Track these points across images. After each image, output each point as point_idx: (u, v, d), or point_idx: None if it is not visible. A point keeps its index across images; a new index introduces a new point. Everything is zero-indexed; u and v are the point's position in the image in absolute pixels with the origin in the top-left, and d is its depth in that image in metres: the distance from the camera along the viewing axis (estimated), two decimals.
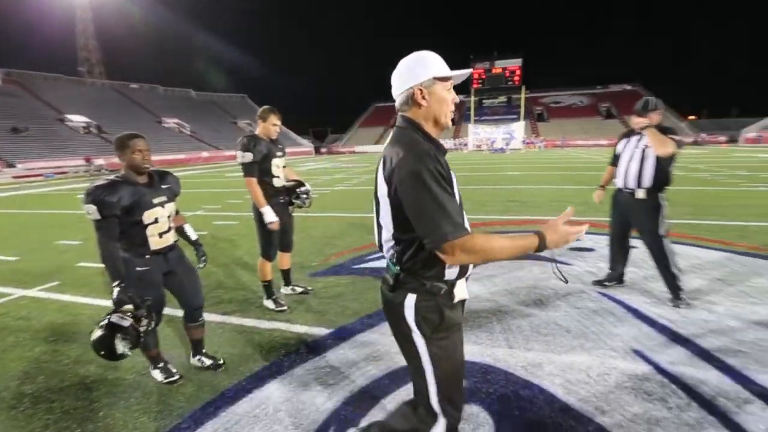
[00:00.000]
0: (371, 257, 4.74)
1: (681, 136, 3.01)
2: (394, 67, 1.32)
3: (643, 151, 3.14)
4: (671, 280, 3.14)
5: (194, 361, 2.54)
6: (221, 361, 2.54)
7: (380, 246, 1.37)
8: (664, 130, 3.00)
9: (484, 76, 56.09)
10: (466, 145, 47.45)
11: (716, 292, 3.35)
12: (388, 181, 1.21)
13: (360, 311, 3.25)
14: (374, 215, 1.36)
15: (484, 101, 55.07)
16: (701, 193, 8.58)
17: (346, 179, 15.13)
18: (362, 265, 4.44)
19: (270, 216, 3.11)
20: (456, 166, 19.98)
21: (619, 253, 3.52)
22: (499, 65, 55.76)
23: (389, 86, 1.33)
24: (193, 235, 2.55)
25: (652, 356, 2.45)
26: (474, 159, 26.52)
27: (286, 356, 2.61)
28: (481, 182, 12.35)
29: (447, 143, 49.44)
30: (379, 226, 1.34)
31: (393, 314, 1.34)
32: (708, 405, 2.01)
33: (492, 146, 42.02)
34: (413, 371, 1.37)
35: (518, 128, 44.80)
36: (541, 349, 2.59)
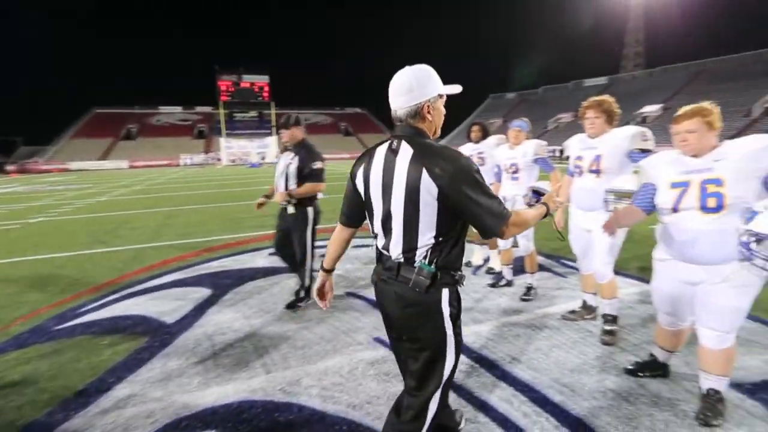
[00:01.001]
0: (90, 307, 3.63)
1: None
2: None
3: (287, 166, 3.28)
4: (302, 283, 3.47)
5: None
6: None
7: (405, 253, 1.37)
8: (304, 144, 3.32)
9: (232, 89, 54.38)
10: (219, 159, 44.80)
11: None
12: (445, 188, 1.25)
13: (67, 390, 2.37)
14: (392, 228, 1.38)
15: (235, 115, 53.41)
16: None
17: (51, 207, 11.30)
18: (74, 322, 3.33)
19: None
20: (207, 183, 18.53)
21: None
22: (248, 80, 55.41)
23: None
24: None
25: (386, 339, 2.88)
26: (229, 174, 25.25)
27: None
28: (236, 198, 11.88)
29: (198, 157, 45.27)
30: (409, 233, 1.34)
31: (423, 316, 1.37)
32: None
33: (247, 160, 41.47)
34: (426, 364, 1.41)
35: (271, 143, 45.97)
36: (298, 363, 2.60)
